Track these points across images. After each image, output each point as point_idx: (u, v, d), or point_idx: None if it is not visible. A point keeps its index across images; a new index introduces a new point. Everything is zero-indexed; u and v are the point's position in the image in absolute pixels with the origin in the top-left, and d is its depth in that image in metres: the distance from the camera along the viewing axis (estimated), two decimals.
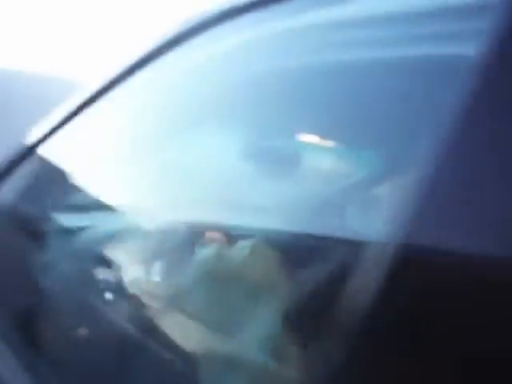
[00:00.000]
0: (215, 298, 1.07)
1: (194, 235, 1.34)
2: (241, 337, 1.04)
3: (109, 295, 1.26)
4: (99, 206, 1.74)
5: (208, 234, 1.38)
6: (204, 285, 1.07)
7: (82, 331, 1.16)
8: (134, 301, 1.27)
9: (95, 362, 1.19)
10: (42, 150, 0.90)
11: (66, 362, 1.16)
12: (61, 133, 0.86)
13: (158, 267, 1.29)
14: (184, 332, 1.10)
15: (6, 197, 0.90)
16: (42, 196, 0.95)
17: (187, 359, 1.06)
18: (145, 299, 1.26)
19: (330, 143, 1.74)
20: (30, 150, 0.91)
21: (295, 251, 1.76)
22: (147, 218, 1.68)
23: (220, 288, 1.07)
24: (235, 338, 1.06)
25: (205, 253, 1.11)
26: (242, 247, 1.12)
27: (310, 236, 2.06)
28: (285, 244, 1.70)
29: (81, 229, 1.41)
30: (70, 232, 1.39)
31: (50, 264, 1.19)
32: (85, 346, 1.17)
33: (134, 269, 1.34)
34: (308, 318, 1.43)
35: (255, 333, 1.02)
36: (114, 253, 1.35)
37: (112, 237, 1.40)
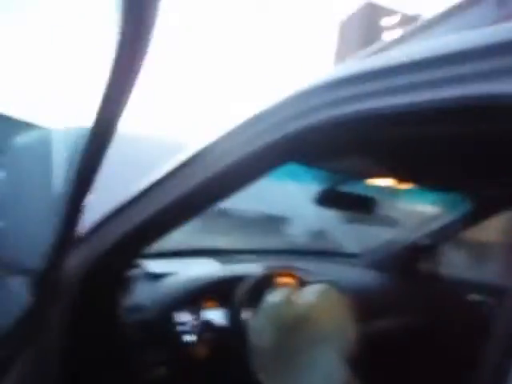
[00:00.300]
0: (282, 343, 1.09)
1: (267, 279, 1.39)
2: (308, 379, 1.04)
3: (188, 337, 1.34)
4: (182, 253, 1.88)
5: (279, 279, 1.42)
6: (272, 329, 1.10)
7: (161, 370, 1.24)
8: (209, 343, 1.34)
9: None
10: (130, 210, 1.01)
11: None
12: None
13: (231, 312, 1.35)
14: (254, 374, 1.13)
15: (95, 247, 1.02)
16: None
17: None
18: (220, 342, 1.33)
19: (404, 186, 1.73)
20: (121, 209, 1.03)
21: (366, 297, 1.72)
22: (225, 264, 1.78)
23: (287, 333, 1.10)
24: (303, 380, 1.06)
25: (274, 297, 1.15)
26: (311, 292, 1.14)
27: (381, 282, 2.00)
28: (355, 289, 1.68)
29: (165, 274, 1.54)
30: (155, 277, 1.52)
31: (136, 307, 1.30)
32: None
33: (209, 312, 1.42)
34: (374, 366, 1.38)
35: (321, 379, 1.02)
36: (194, 297, 1.44)
37: (193, 282, 1.50)
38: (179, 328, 1.37)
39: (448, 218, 2.23)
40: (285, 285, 1.30)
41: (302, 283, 1.37)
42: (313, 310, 1.10)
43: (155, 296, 1.39)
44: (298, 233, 10.17)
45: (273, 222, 10.88)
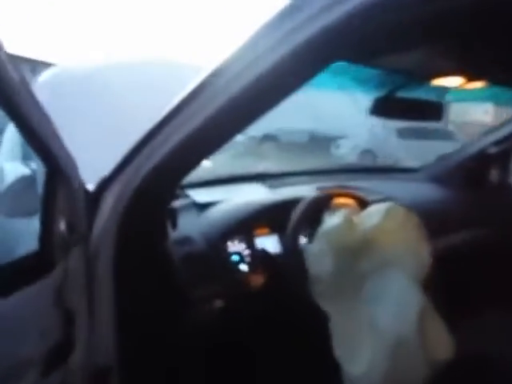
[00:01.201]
0: (346, 268, 0.99)
1: (324, 201, 1.27)
2: (376, 307, 0.95)
3: (242, 267, 1.27)
4: (228, 181, 1.78)
5: (337, 200, 1.30)
6: (333, 254, 0.99)
7: (217, 303, 1.18)
8: (264, 272, 1.26)
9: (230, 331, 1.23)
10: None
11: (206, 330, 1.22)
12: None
13: (287, 238, 1.24)
14: (316, 301, 1.04)
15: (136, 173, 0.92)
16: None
17: (320, 330, 1.01)
18: (276, 270, 1.25)
19: None
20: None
21: (433, 212, 1.56)
22: (275, 189, 1.67)
23: (350, 257, 0.99)
24: (370, 307, 0.97)
25: (334, 220, 1.03)
26: (376, 212, 1.01)
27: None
28: (420, 205, 1.52)
29: (213, 203, 1.45)
30: (202, 207, 1.43)
31: (185, 240, 1.23)
32: (221, 317, 1.20)
33: (262, 239, 1.33)
34: (449, 287, 1.25)
35: (392, 302, 0.92)
36: (245, 224, 1.35)
37: (243, 209, 1.40)
38: (232, 258, 1.29)
39: None
40: (344, 206, 1.17)
41: (363, 203, 1.24)
42: (380, 232, 0.98)
43: (204, 226, 1.30)
44: (349, 151, 9.86)
45: (322, 142, 10.60)
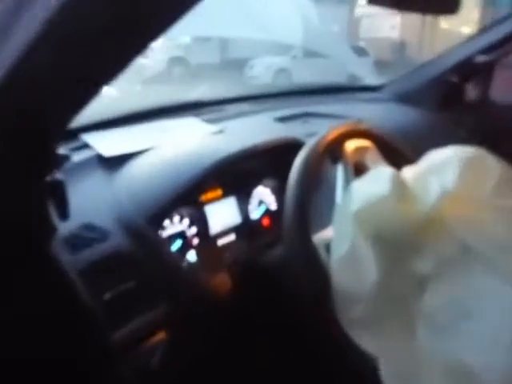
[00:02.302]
0: (402, 275, 0.56)
1: (334, 148, 0.78)
2: (457, 333, 0.53)
3: (190, 257, 0.79)
4: (147, 116, 1.22)
5: (350, 144, 0.83)
6: (380, 253, 0.55)
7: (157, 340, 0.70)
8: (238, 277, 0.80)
9: None
10: None
11: None
12: None
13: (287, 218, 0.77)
14: (347, 338, 0.61)
15: None
16: None
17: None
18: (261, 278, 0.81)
19: None
20: None
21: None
22: (217, 122, 1.16)
23: (410, 254, 0.55)
24: (445, 334, 0.55)
25: (369, 189, 0.58)
26: (440, 166, 0.57)
27: None
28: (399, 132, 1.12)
29: (126, 157, 0.91)
30: (110, 165, 0.89)
31: (82, 232, 0.72)
32: None
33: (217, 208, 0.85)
34: None
35: (488, 325, 0.52)
36: (186, 189, 0.85)
37: (181, 163, 0.89)
38: (172, 249, 0.80)
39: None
40: (363, 154, 0.72)
41: (386, 148, 0.78)
42: (460, 204, 0.53)
43: (116, 202, 0.77)
44: (263, 71, 9.36)
45: (234, 63, 9.96)
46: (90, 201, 0.75)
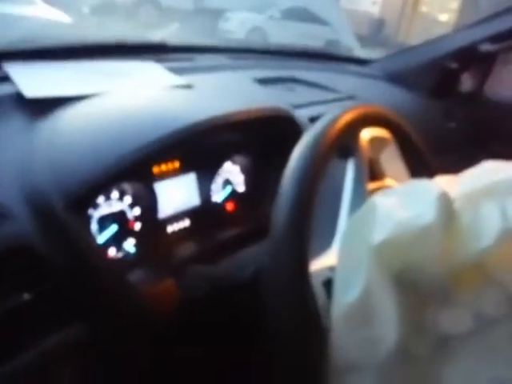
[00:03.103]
0: (427, 332, 0.39)
1: (345, 137, 0.56)
2: None
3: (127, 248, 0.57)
4: (93, 51, 0.97)
5: (364, 133, 0.61)
6: (403, 302, 0.37)
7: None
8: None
9: None
10: None
11: None
12: None
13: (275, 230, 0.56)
14: None
15: None
16: None
17: None
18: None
19: None
20: None
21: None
22: (180, 73, 0.91)
23: (443, 308, 0.38)
24: None
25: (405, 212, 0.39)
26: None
27: None
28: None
29: (59, 101, 0.67)
30: (42, 105, 0.65)
31: None
32: None
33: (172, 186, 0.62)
34: None
35: None
36: (133, 153, 0.62)
37: (128, 118, 0.66)
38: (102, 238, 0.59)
39: None
40: (384, 152, 0.53)
41: (404, 139, 0.58)
42: None
43: (35, 156, 0.54)
44: (238, 26, 8.92)
45: (208, 12, 9.40)
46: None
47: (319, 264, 0.48)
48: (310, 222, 0.41)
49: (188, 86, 0.82)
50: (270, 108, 0.73)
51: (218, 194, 0.79)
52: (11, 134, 0.60)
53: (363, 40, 8.87)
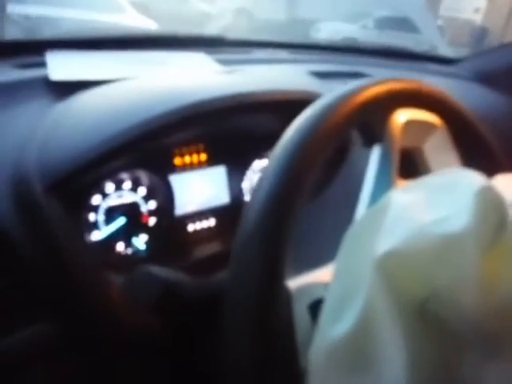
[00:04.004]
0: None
1: (369, 114, 0.46)
2: None
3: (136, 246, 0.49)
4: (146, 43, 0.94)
5: (398, 113, 0.49)
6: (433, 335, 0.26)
7: None
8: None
9: None
10: None
11: None
12: None
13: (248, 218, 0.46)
14: None
15: None
16: None
17: None
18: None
19: None
20: None
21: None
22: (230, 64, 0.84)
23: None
24: None
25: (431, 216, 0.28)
26: None
27: None
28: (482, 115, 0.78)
29: (85, 84, 0.64)
30: (58, 92, 0.62)
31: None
32: None
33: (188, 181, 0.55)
34: None
35: None
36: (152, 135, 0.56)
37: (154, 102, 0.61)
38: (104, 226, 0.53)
39: None
40: (429, 142, 0.41)
41: (460, 126, 0.46)
42: None
43: (37, 137, 0.49)
44: (329, 36, 8.81)
45: (300, 24, 9.42)
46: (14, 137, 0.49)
47: (314, 278, 0.37)
48: (288, 223, 0.31)
49: (228, 72, 0.75)
50: (308, 91, 0.62)
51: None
52: (27, 115, 0.57)
53: (462, 49, 8.32)
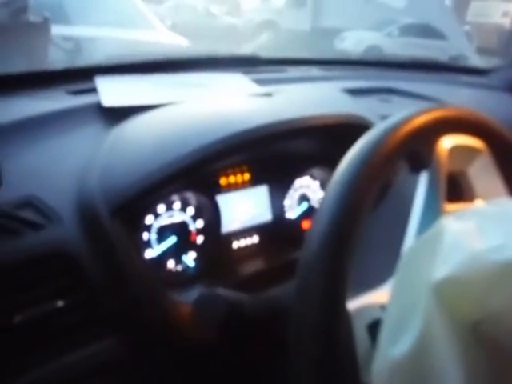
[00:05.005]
0: None
1: (420, 144, 0.47)
2: None
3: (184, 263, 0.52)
4: (181, 65, 0.98)
5: (445, 140, 0.51)
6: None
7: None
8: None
9: None
10: None
11: None
12: None
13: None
14: None
15: None
16: None
17: None
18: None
19: None
20: None
21: None
22: (267, 84, 0.87)
23: None
24: None
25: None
26: None
27: None
28: None
29: (136, 110, 0.67)
30: (110, 117, 0.66)
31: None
32: None
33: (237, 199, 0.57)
34: None
35: None
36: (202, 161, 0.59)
37: (205, 127, 0.64)
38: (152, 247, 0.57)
39: None
40: (474, 166, 0.43)
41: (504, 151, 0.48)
42: None
43: (95, 161, 0.53)
44: (353, 45, 8.81)
45: (324, 34, 9.46)
46: (52, 164, 0.53)
47: (369, 300, 0.39)
48: (350, 247, 0.33)
49: (268, 95, 0.79)
50: (349, 115, 0.65)
51: (293, 211, 0.73)
52: (84, 141, 0.61)
53: (490, 54, 8.18)
